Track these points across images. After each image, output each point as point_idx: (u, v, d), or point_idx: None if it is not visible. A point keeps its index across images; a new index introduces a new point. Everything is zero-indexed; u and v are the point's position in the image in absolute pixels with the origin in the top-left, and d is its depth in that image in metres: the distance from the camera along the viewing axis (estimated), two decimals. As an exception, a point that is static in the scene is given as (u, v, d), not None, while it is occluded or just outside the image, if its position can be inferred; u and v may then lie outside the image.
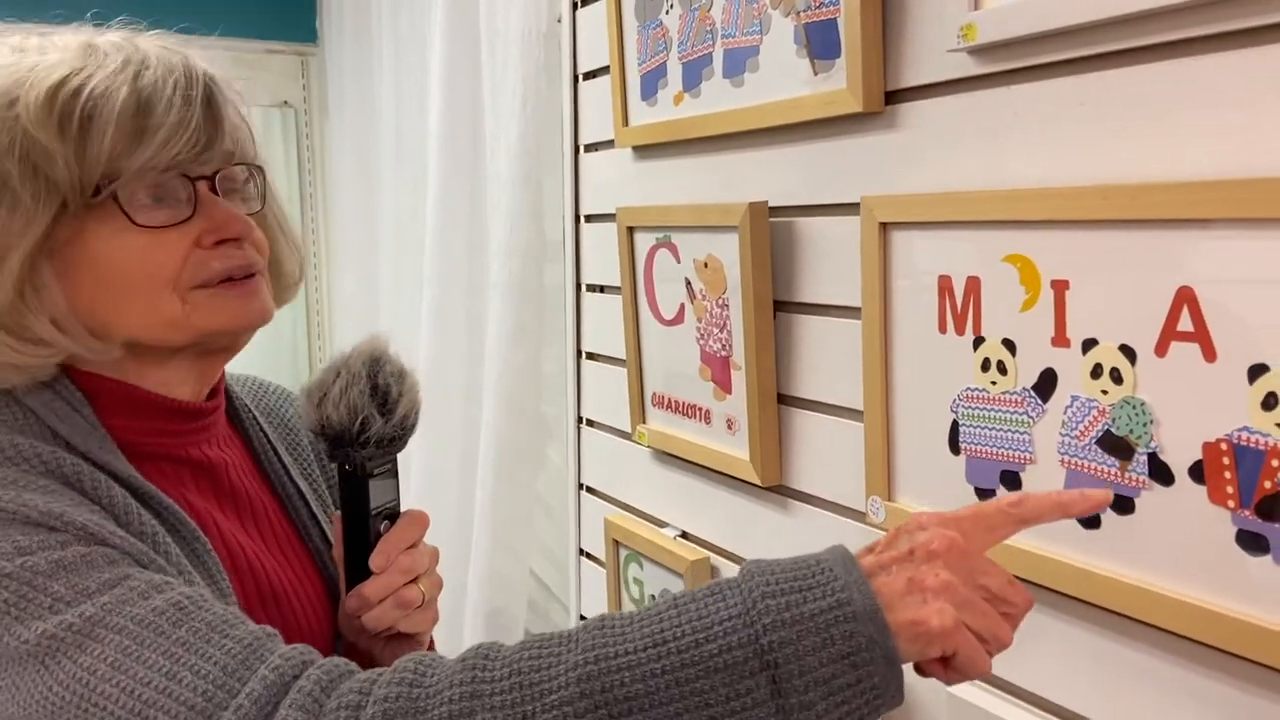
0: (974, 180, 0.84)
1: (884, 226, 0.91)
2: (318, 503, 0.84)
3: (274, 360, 2.74)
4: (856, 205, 0.94)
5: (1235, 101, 0.65)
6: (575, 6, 1.45)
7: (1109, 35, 0.72)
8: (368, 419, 0.74)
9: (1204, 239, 0.66)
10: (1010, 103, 0.81)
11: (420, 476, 1.85)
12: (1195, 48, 0.68)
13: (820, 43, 0.98)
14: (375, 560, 0.75)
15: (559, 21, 1.49)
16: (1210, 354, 0.67)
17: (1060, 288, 0.76)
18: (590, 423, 1.52)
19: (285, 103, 2.77)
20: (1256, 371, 0.64)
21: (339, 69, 2.50)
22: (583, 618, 1.57)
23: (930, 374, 0.88)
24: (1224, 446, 0.66)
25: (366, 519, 0.76)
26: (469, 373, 1.81)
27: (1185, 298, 0.68)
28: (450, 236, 1.81)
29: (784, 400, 1.10)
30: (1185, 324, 0.68)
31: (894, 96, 0.92)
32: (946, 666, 0.55)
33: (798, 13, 1.00)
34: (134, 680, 0.56)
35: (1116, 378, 0.73)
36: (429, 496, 1.83)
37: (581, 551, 1.55)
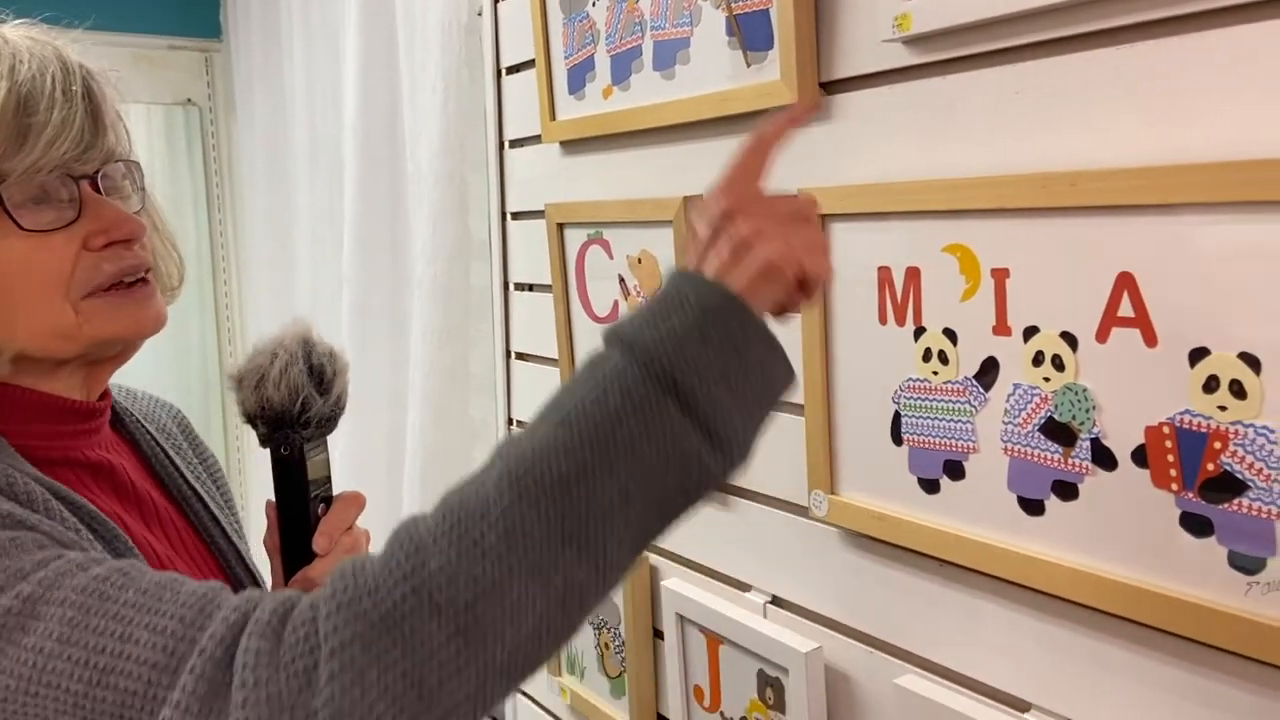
0: (912, 170, 0.84)
1: (822, 219, 0.90)
2: (214, 504, 0.81)
3: (182, 364, 2.63)
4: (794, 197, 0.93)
5: (1168, 88, 0.66)
6: (496, 1, 1.42)
7: (1042, 24, 0.73)
8: (308, 398, 0.75)
9: (1143, 225, 0.67)
10: (946, 92, 0.81)
11: (346, 481, 1.79)
12: (1127, 35, 0.68)
13: (753, 34, 0.97)
14: (319, 542, 0.76)
15: (479, 14, 1.46)
16: (1151, 339, 0.67)
17: (1000, 276, 0.76)
18: (521, 424, 1.49)
19: (189, 101, 2.66)
20: (1197, 355, 0.65)
21: (246, 65, 2.41)
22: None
23: (871, 365, 0.88)
24: (1166, 430, 0.67)
25: (306, 502, 0.76)
26: (393, 375, 1.76)
27: (1125, 284, 0.68)
28: (371, 235, 1.75)
29: (722, 396, 1.08)
30: (1126, 310, 0.68)
31: (829, 87, 0.91)
32: (801, 290, 0.60)
33: (728, 4, 0.99)
34: (86, 650, 0.53)
35: (1058, 365, 0.73)
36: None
37: (515, 556, 1.52)
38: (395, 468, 1.73)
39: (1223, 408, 0.64)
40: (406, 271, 1.67)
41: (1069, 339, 0.72)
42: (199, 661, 0.52)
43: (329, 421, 0.79)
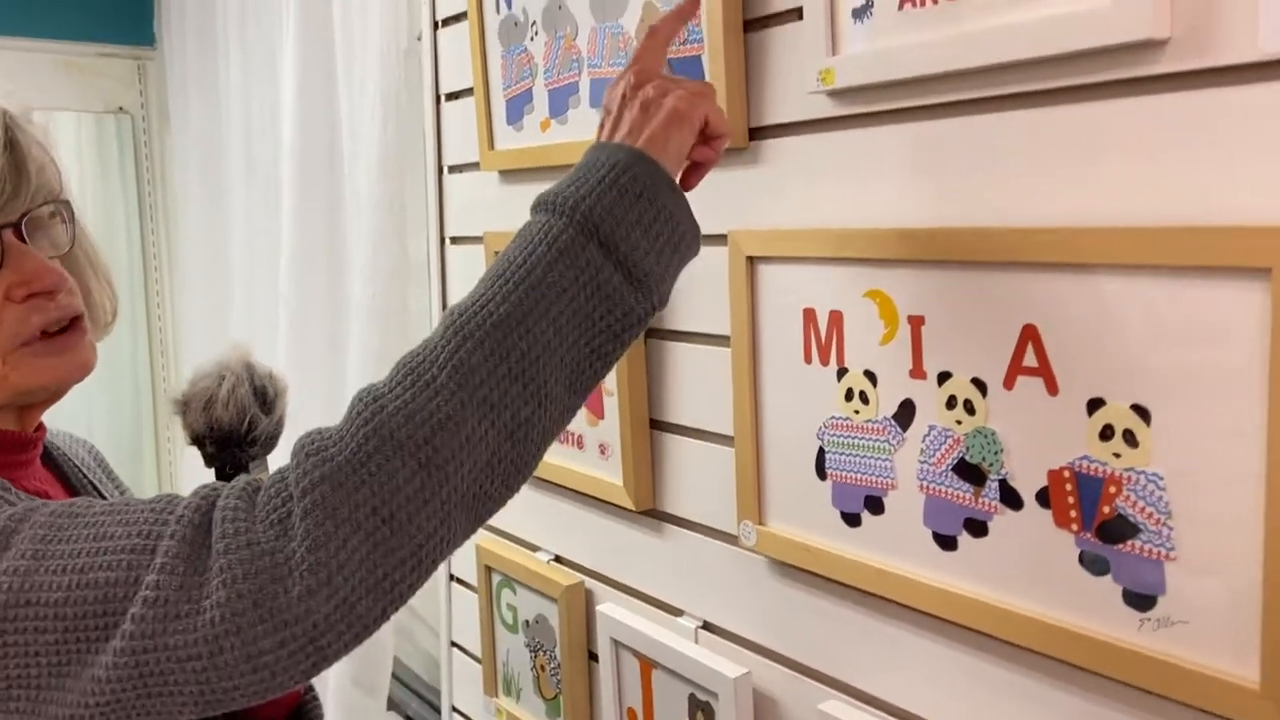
0: (836, 217, 0.87)
1: (750, 260, 0.93)
2: None
3: (114, 382, 2.58)
4: (724, 237, 0.96)
5: (1075, 154, 0.70)
6: (436, 26, 1.43)
7: (956, 86, 0.76)
8: (254, 417, 0.80)
9: (1045, 281, 0.71)
10: (868, 144, 0.84)
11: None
12: (1035, 100, 0.72)
13: (685, 77, 1.00)
14: None
15: (419, 39, 1.47)
16: (1053, 388, 0.71)
17: (916, 323, 0.80)
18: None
19: (121, 109, 2.61)
20: (1094, 405, 0.69)
21: (181, 75, 2.38)
22: (454, 644, 1.54)
23: (797, 402, 0.91)
24: (1067, 474, 0.71)
25: None
26: (330, 395, 1.75)
27: (1029, 335, 0.72)
28: (308, 254, 1.75)
29: (656, 426, 1.11)
30: (1030, 360, 0.73)
31: (758, 133, 0.95)
32: (707, 144, 0.70)
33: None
34: (62, 558, 0.55)
35: (969, 409, 0.77)
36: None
37: (452, 577, 1.52)
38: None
39: (1117, 455, 0.68)
40: (344, 292, 1.67)
41: (979, 385, 0.76)
42: (178, 528, 0.55)
43: (272, 440, 0.83)
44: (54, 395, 0.73)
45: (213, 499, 0.57)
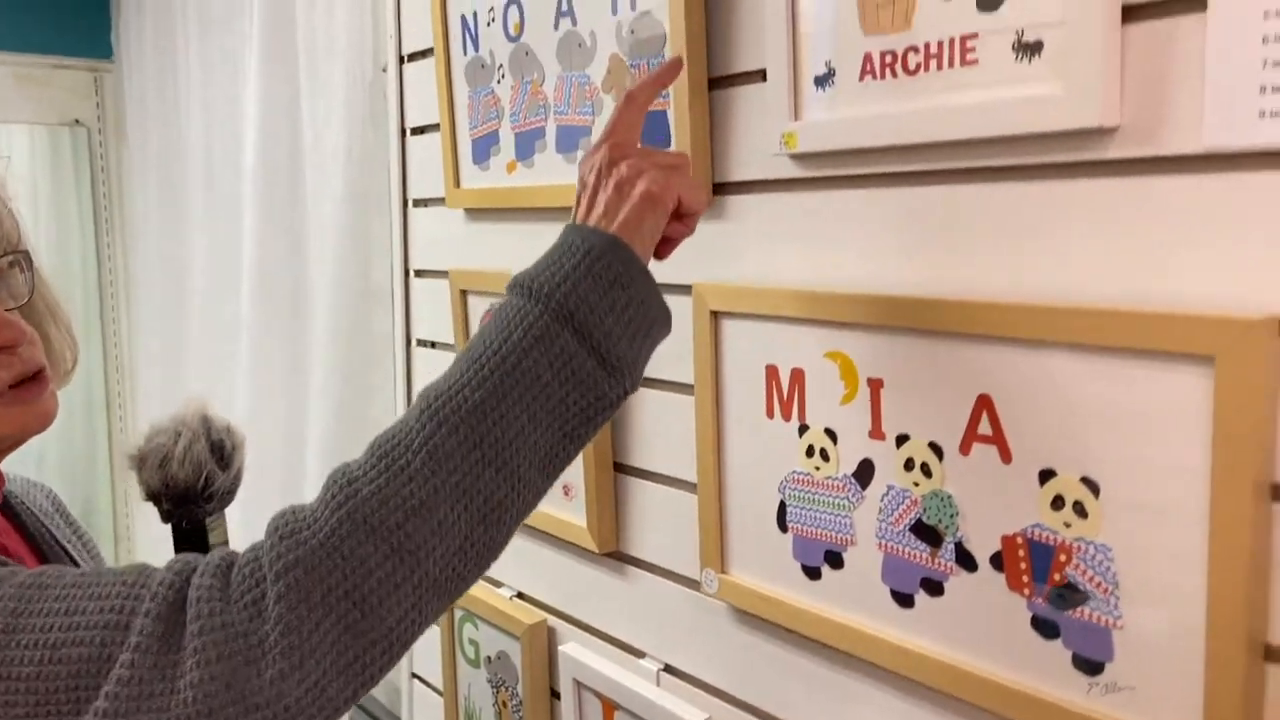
0: (799, 276, 0.89)
1: (714, 314, 0.95)
2: None
3: (68, 423, 2.53)
4: (689, 288, 0.98)
5: (1029, 230, 0.73)
6: (401, 60, 1.43)
7: (915, 158, 0.79)
8: (211, 473, 0.81)
9: (1000, 353, 0.73)
10: (831, 207, 0.86)
11: (244, 536, 1.77)
12: (992, 176, 0.75)
13: (651, 132, 1.01)
14: None
15: (384, 71, 1.46)
16: (1006, 456, 0.74)
17: (876, 386, 0.82)
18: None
19: (76, 121, 2.57)
20: (1046, 475, 0.71)
21: (139, 90, 2.35)
22: (415, 675, 1.54)
23: (760, 455, 0.93)
24: (1020, 540, 0.73)
25: None
26: (291, 422, 1.74)
27: (985, 404, 0.75)
28: (271, 281, 1.74)
29: (620, 469, 1.12)
30: (985, 428, 0.75)
31: (722, 188, 0.96)
32: (680, 220, 0.71)
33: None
34: (34, 632, 0.55)
35: (926, 471, 0.79)
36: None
37: (414, 610, 1.52)
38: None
39: (1068, 524, 0.70)
40: (307, 320, 1.66)
41: (936, 449, 0.78)
42: (152, 605, 0.55)
43: (229, 495, 0.84)
44: (14, 445, 0.72)
45: (187, 574, 0.57)
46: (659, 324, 0.67)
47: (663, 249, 0.74)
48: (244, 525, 1.78)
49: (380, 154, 1.48)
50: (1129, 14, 0.66)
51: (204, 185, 2.05)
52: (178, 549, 0.81)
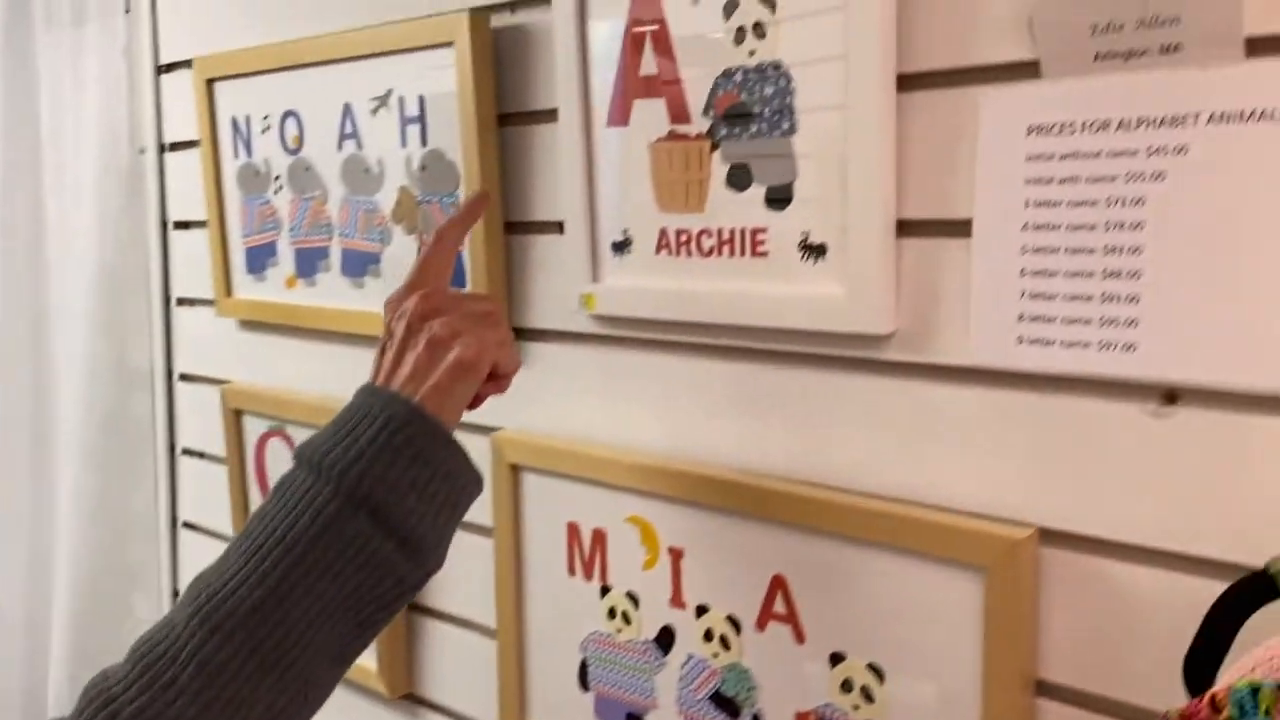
0: (601, 433, 0.89)
1: (514, 467, 0.93)
2: None
3: None
4: (489, 429, 0.95)
5: (817, 418, 0.76)
6: (162, 149, 1.31)
7: (709, 333, 0.80)
8: None
9: (792, 538, 0.76)
10: (632, 367, 0.86)
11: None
12: (784, 360, 0.77)
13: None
14: None
15: (141, 153, 1.34)
16: (800, 636, 0.76)
17: (676, 555, 0.83)
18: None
19: None
20: (836, 658, 0.75)
21: None
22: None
23: (561, 612, 0.92)
24: (813, 718, 0.76)
25: None
26: (35, 542, 1.55)
27: (779, 584, 0.77)
28: (9, 398, 1.53)
29: (415, 608, 1.08)
30: (780, 607, 0.77)
31: (522, 334, 0.94)
32: (493, 380, 0.66)
33: (422, 236, 0.99)
34: None
35: (725, 644, 0.81)
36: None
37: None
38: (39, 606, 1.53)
39: (856, 707, 0.74)
40: (50, 427, 1.49)
41: (734, 623, 0.80)
42: None
43: None
44: None
45: None
46: (469, 491, 0.62)
47: (472, 403, 0.70)
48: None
49: (139, 247, 1.35)
50: (904, 228, 0.70)
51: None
52: None
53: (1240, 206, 0.57)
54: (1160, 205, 0.59)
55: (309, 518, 0.56)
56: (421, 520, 0.58)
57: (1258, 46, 0.56)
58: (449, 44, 0.91)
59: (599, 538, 0.88)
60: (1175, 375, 0.60)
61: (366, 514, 0.56)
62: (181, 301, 1.33)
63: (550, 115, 0.88)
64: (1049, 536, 0.66)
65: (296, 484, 0.58)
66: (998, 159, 0.65)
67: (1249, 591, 0.52)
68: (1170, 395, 0.61)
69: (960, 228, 0.68)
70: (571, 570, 0.91)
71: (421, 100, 0.96)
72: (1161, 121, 0.59)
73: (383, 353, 0.64)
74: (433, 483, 0.59)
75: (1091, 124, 0.61)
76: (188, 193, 1.28)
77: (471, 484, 0.62)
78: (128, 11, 1.33)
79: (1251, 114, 0.56)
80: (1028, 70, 0.64)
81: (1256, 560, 0.58)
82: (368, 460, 0.57)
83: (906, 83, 0.69)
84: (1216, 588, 0.58)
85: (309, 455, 0.58)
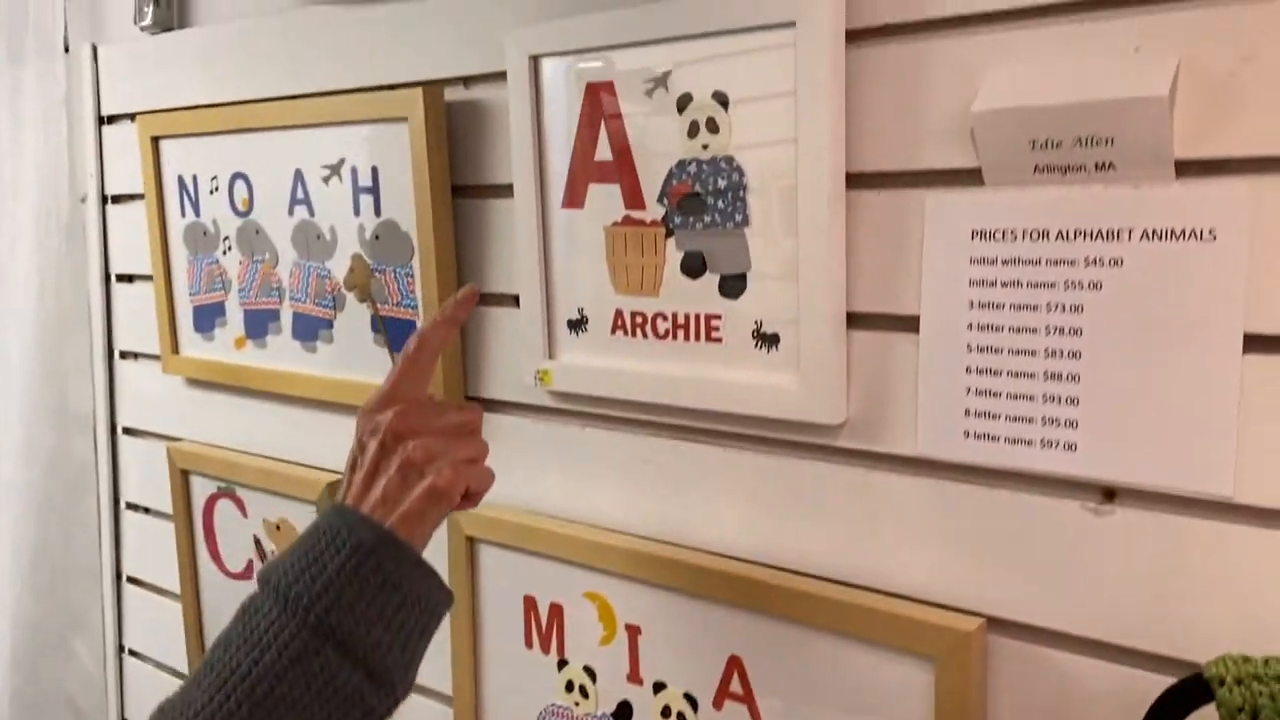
0: (557, 505, 0.89)
1: (470, 541, 0.93)
2: None
3: None
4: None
5: (773, 501, 0.77)
6: (105, 200, 1.29)
7: (664, 413, 0.81)
8: None
9: (750, 621, 0.77)
10: (589, 443, 0.87)
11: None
12: (739, 442, 0.79)
13: (398, 338, 0.98)
14: None
15: (83, 201, 1.31)
16: (756, 717, 0.78)
17: (634, 631, 0.84)
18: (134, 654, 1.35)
19: None
20: (793, 738, 0.76)
21: None
22: None
23: (519, 684, 0.92)
24: (769, 795, 0.78)
25: None
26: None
27: (736, 664, 0.78)
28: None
29: (368, 672, 1.07)
30: (736, 687, 0.79)
31: (479, 403, 0.94)
32: (465, 500, 0.64)
33: (375, 304, 0.99)
34: None
35: (682, 720, 0.82)
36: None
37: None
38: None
39: (812, 785, 0.75)
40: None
41: (691, 700, 0.81)
42: None
43: None
44: None
45: None
46: (439, 613, 0.61)
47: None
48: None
49: (80, 298, 1.32)
50: (855, 321, 0.72)
51: None
52: None
53: (1171, 318, 0.60)
54: (1097, 313, 0.62)
55: (275, 652, 0.55)
56: (390, 650, 0.57)
57: (1186, 169, 0.59)
58: (403, 119, 0.91)
59: (556, 611, 0.89)
60: (1113, 475, 0.63)
61: (333, 647, 0.55)
62: (125, 355, 1.31)
63: (506, 190, 0.88)
64: (997, 625, 0.68)
65: (262, 614, 0.57)
66: (943, 259, 0.67)
67: (1184, 695, 0.55)
68: (1109, 493, 0.64)
69: (909, 323, 0.70)
70: (529, 643, 0.91)
71: (375, 171, 0.96)
72: (1097, 234, 0.62)
73: (353, 469, 0.63)
74: (402, 610, 0.58)
75: (1032, 232, 0.64)
76: (131, 246, 1.25)
77: (442, 604, 0.61)
78: (67, 50, 1.30)
79: (1180, 233, 0.59)
80: (971, 177, 0.66)
81: (1195, 656, 0.60)
82: (336, 591, 0.56)
83: (856, 181, 0.70)
84: (1158, 680, 0.61)
85: (275, 581, 0.57)
